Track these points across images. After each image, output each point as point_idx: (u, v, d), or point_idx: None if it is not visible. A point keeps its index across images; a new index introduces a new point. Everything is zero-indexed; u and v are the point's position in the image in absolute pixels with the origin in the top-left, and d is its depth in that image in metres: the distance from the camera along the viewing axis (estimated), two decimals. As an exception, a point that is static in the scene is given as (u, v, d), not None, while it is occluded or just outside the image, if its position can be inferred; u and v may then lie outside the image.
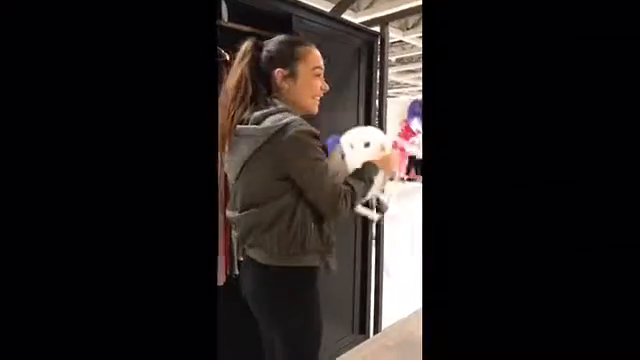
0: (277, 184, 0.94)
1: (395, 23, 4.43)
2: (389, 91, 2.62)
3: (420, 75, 7.34)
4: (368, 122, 2.02)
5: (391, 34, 2.74)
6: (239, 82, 0.97)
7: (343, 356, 0.97)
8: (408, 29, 4.97)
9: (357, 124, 1.97)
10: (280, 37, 1.02)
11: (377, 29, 2.09)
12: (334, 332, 1.89)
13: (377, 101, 2.07)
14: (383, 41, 2.06)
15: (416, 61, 6.61)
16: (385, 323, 2.19)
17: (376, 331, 2.14)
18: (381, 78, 2.07)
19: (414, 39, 5.15)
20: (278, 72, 0.98)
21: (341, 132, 1.18)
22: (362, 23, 2.13)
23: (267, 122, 0.92)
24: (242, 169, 0.97)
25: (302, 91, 1.01)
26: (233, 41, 1.05)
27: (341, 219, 1.00)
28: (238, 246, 1.06)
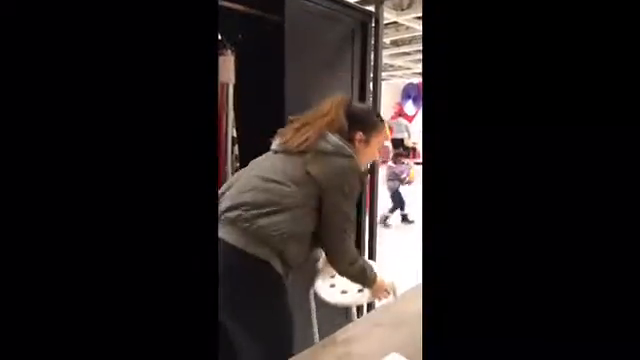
0: (312, 187, 1.09)
1: (390, 3, 4.36)
2: (383, 73, 2.60)
3: (414, 58, 7.27)
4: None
5: (386, 14, 2.69)
6: (333, 121, 1.19)
7: (332, 335, 0.99)
8: (403, 10, 4.89)
9: (350, 106, 1.96)
10: (365, 107, 1.35)
11: (372, 8, 2.06)
12: (327, 316, 1.91)
13: (371, 83, 2.06)
14: (377, 21, 2.03)
15: (410, 43, 6.53)
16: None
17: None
18: (375, 60, 2.05)
19: (409, 20, 5.08)
20: (358, 135, 1.23)
21: None
22: (356, 2, 2.10)
23: (344, 145, 1.15)
24: (295, 155, 1.13)
25: (367, 155, 1.28)
26: (225, 20, 1.03)
27: (336, 254, 1.16)
28: (236, 220, 1.06)
